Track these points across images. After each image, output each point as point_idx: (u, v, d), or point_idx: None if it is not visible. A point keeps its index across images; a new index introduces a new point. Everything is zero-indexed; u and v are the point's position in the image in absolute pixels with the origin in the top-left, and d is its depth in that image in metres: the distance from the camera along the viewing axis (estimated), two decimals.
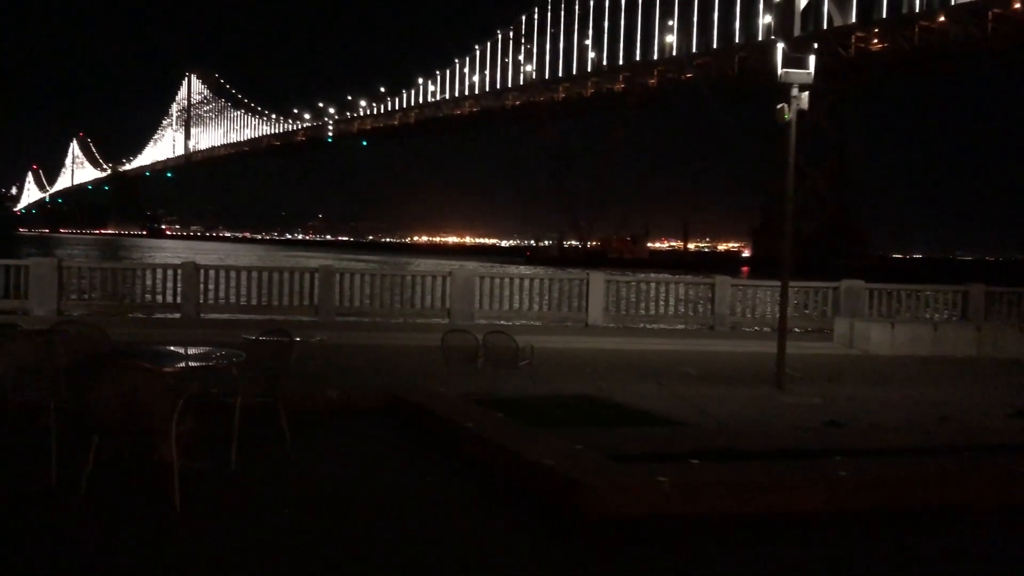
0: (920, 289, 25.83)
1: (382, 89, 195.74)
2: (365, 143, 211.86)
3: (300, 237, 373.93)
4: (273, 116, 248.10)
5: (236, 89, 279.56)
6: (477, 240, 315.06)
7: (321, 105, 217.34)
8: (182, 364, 7.95)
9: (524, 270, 33.29)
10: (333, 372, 13.59)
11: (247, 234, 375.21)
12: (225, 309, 22.99)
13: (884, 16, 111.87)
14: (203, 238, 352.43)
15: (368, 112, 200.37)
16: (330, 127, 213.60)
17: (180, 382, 7.71)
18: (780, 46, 15.90)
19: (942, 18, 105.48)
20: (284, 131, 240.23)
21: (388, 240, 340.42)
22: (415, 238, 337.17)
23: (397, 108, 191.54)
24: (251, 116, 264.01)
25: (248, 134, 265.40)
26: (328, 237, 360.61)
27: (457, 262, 32.08)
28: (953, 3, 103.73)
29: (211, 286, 23.13)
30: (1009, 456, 8.71)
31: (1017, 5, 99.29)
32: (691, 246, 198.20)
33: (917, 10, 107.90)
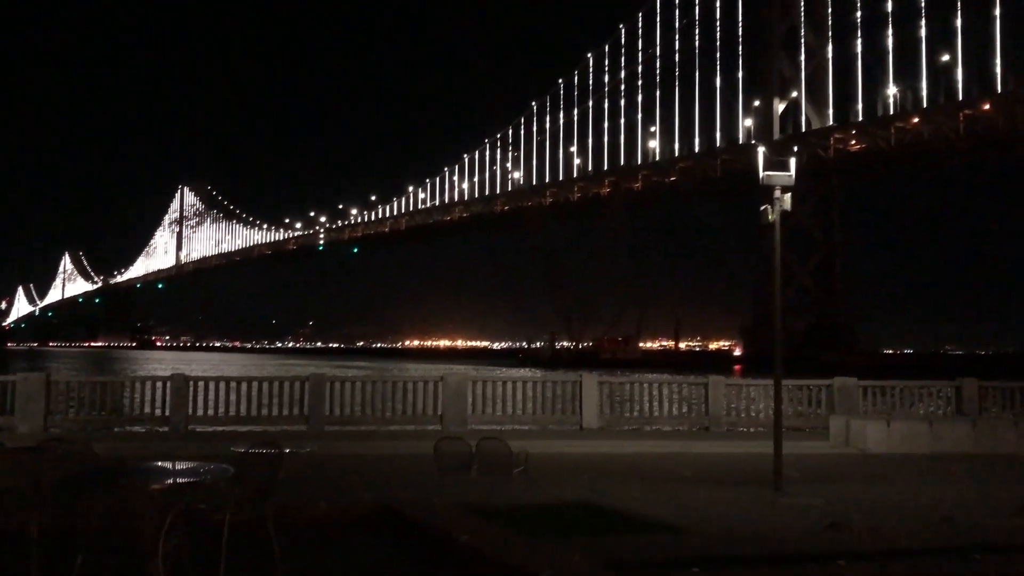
0: (913, 385, 25.79)
1: (373, 197, 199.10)
2: (356, 250, 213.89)
3: (291, 345, 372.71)
4: (265, 226, 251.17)
5: (228, 200, 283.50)
6: (469, 343, 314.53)
7: (312, 214, 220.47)
8: (170, 481, 7.80)
9: (516, 373, 33.18)
10: (324, 484, 13.34)
11: (237, 343, 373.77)
12: (214, 421, 22.72)
13: (860, 119, 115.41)
14: (193, 348, 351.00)
15: (359, 220, 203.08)
16: (321, 235, 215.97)
17: (168, 499, 7.55)
18: (761, 150, 16.34)
19: (916, 119, 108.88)
20: (275, 240, 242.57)
21: (379, 346, 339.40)
22: (406, 343, 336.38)
23: (388, 215, 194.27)
24: (243, 226, 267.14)
25: (239, 244, 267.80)
26: (319, 344, 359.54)
27: (449, 366, 31.95)
28: (926, 105, 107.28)
29: (200, 398, 22.92)
30: (1017, 557, 8.53)
31: (986, 106, 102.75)
32: (683, 345, 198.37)
33: (892, 112, 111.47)
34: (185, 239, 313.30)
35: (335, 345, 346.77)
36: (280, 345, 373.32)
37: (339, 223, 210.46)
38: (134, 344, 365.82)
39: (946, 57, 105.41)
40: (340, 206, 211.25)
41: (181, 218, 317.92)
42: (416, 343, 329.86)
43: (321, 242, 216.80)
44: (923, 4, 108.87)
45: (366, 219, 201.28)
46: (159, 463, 8.85)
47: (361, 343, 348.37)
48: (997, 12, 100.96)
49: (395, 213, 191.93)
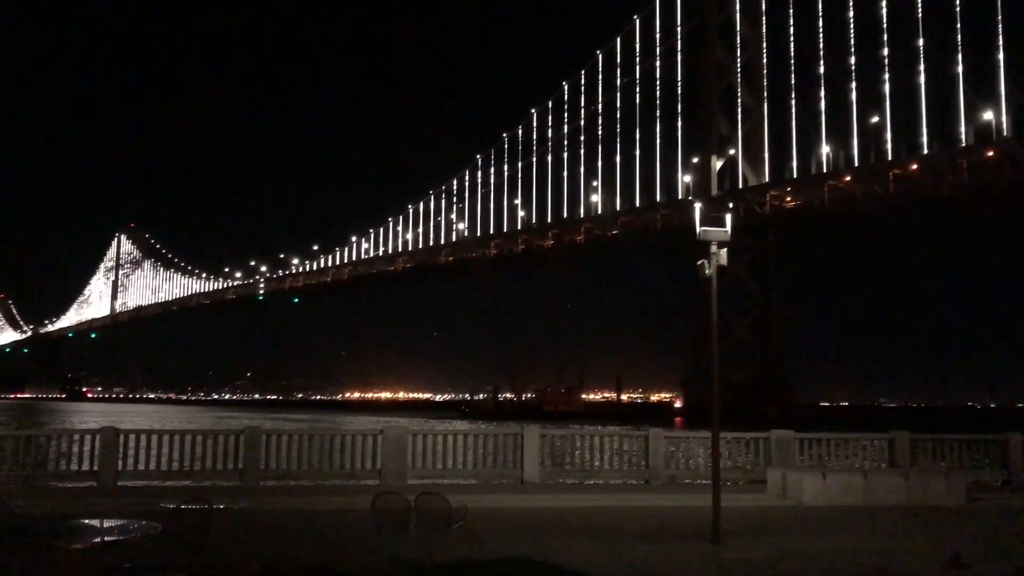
0: (848, 437, 26.24)
1: (315, 247, 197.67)
2: (297, 300, 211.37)
3: (228, 397, 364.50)
4: (203, 275, 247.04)
5: (166, 248, 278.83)
6: (412, 395, 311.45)
7: (253, 263, 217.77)
8: (94, 539, 7.51)
9: (458, 426, 32.89)
10: (258, 541, 12.96)
11: (172, 395, 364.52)
12: (144, 475, 22.00)
13: (795, 176, 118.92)
14: (127, 400, 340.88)
15: (300, 269, 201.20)
16: (261, 285, 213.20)
17: (91, 558, 7.26)
18: (698, 205, 16.70)
19: (848, 177, 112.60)
20: (214, 289, 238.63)
21: (319, 398, 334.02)
22: (347, 395, 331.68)
23: (330, 265, 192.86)
24: (181, 275, 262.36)
25: (177, 293, 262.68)
26: (257, 396, 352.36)
27: (389, 419, 31.55)
28: (858, 164, 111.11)
29: (131, 451, 22.20)
30: None
31: (914, 166, 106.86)
32: (625, 397, 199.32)
33: (825, 170, 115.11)
34: (121, 288, 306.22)
35: (274, 397, 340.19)
36: (217, 397, 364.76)
37: (280, 272, 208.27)
38: (64, 396, 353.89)
39: (876, 119, 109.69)
40: (281, 255, 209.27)
41: (117, 266, 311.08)
42: (357, 395, 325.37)
43: (261, 292, 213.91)
44: (853, 68, 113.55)
45: (308, 269, 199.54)
46: (83, 520, 8.53)
47: (301, 395, 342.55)
48: (922, 80, 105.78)
49: (337, 263, 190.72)
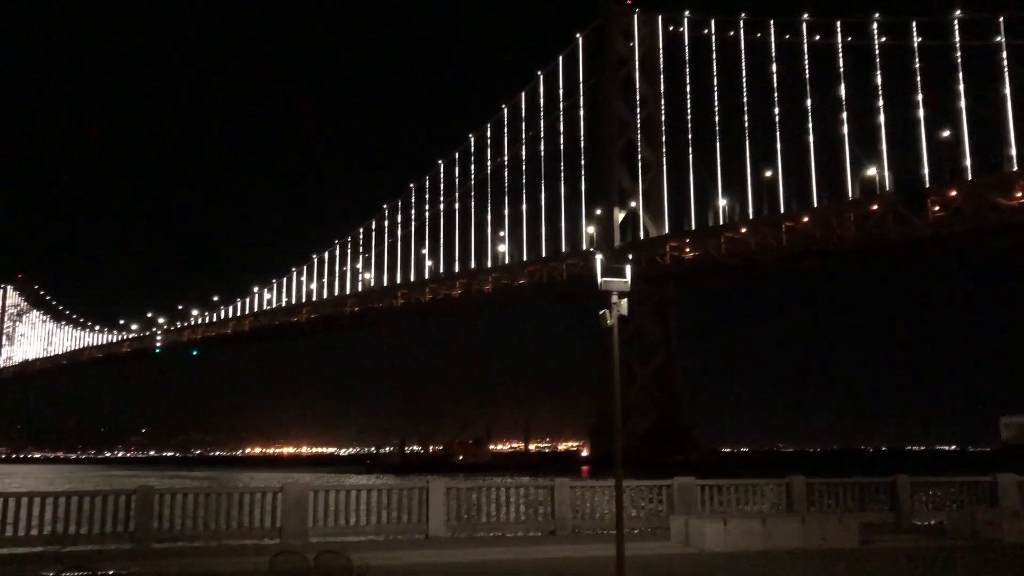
0: (748, 483, 26.82)
1: (215, 298, 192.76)
2: (196, 352, 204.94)
3: (121, 455, 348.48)
4: (97, 327, 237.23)
5: (57, 300, 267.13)
6: (315, 450, 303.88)
7: (150, 315, 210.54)
8: None
9: (362, 481, 32.20)
10: None
11: (60, 454, 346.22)
12: (23, 542, 20.72)
13: (694, 228, 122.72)
14: (10, 460, 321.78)
15: (200, 321, 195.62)
16: (158, 337, 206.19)
17: None
18: (599, 257, 17.10)
19: (744, 229, 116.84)
20: (108, 342, 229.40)
21: (218, 454, 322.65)
22: (248, 450, 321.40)
23: (231, 316, 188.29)
24: (72, 327, 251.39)
25: (68, 346, 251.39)
26: (153, 453, 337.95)
27: (291, 475, 30.71)
28: (752, 216, 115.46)
29: (10, 516, 20.89)
30: None
31: (805, 219, 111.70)
32: (532, 447, 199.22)
33: (722, 222, 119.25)
34: (6, 341, 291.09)
35: (171, 454, 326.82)
36: (110, 455, 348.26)
37: (178, 324, 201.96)
38: None
39: (769, 173, 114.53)
40: (180, 307, 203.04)
41: (1, 319, 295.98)
42: (258, 450, 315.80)
43: (158, 344, 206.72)
44: (747, 124, 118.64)
45: (208, 320, 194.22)
46: None
47: (199, 451, 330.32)
48: (811, 138, 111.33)
49: (239, 314, 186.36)
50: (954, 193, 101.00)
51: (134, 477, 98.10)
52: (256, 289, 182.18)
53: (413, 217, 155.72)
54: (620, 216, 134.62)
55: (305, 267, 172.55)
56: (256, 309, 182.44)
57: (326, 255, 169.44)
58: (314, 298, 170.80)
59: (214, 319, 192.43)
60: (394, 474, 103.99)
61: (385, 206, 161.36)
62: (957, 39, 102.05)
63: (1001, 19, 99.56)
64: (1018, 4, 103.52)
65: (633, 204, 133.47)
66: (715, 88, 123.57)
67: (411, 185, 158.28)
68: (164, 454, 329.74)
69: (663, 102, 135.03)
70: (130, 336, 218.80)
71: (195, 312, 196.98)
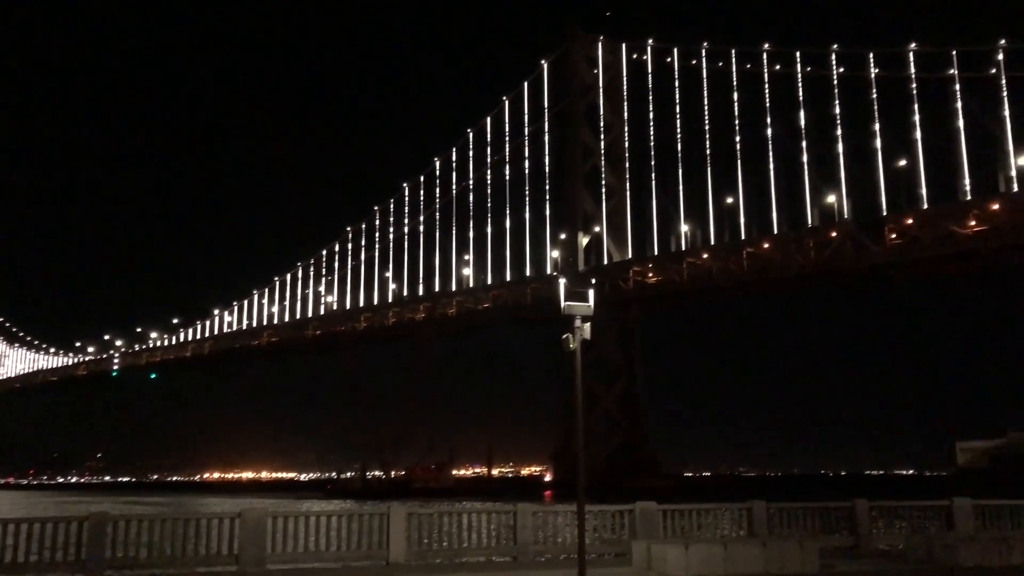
0: (709, 508, 26.89)
1: (175, 320, 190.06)
2: (155, 376, 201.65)
3: (76, 480, 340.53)
4: (52, 349, 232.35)
5: (10, 322, 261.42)
6: (275, 475, 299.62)
7: (107, 337, 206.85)
8: None
9: (322, 506, 31.75)
10: None
11: (11, 480, 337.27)
12: None
13: (656, 252, 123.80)
14: None
15: (159, 344, 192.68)
16: (116, 360, 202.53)
17: None
18: (562, 281, 17.14)
19: (705, 255, 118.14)
20: (63, 365, 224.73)
21: (176, 479, 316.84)
22: (207, 476, 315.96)
23: (191, 339, 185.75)
24: (26, 350, 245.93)
25: (21, 368, 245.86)
26: (108, 478, 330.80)
27: (250, 501, 30.18)
28: (714, 242, 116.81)
29: None
30: None
31: (766, 245, 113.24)
32: (496, 472, 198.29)
33: (684, 248, 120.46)
34: None
35: (127, 479, 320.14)
36: (63, 480, 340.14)
37: (137, 347, 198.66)
38: None
39: (730, 200, 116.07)
40: (138, 329, 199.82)
41: None
42: (217, 476, 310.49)
43: (115, 367, 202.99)
44: (709, 151, 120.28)
45: (167, 343, 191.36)
46: None
47: (156, 476, 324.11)
48: (771, 166, 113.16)
49: (199, 337, 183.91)
50: (910, 221, 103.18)
51: (88, 503, 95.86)
52: (217, 312, 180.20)
53: (377, 240, 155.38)
54: (584, 241, 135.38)
55: (267, 290, 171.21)
56: (217, 332, 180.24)
57: (288, 277, 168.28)
58: (276, 321, 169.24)
59: (173, 342, 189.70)
60: (355, 499, 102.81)
61: (349, 229, 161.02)
62: (912, 71, 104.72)
63: (954, 52, 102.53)
64: (972, 39, 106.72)
65: (597, 229, 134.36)
66: (678, 115, 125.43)
67: (375, 208, 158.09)
68: (120, 479, 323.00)
69: (627, 129, 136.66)
70: (86, 359, 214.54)
71: (154, 335, 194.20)
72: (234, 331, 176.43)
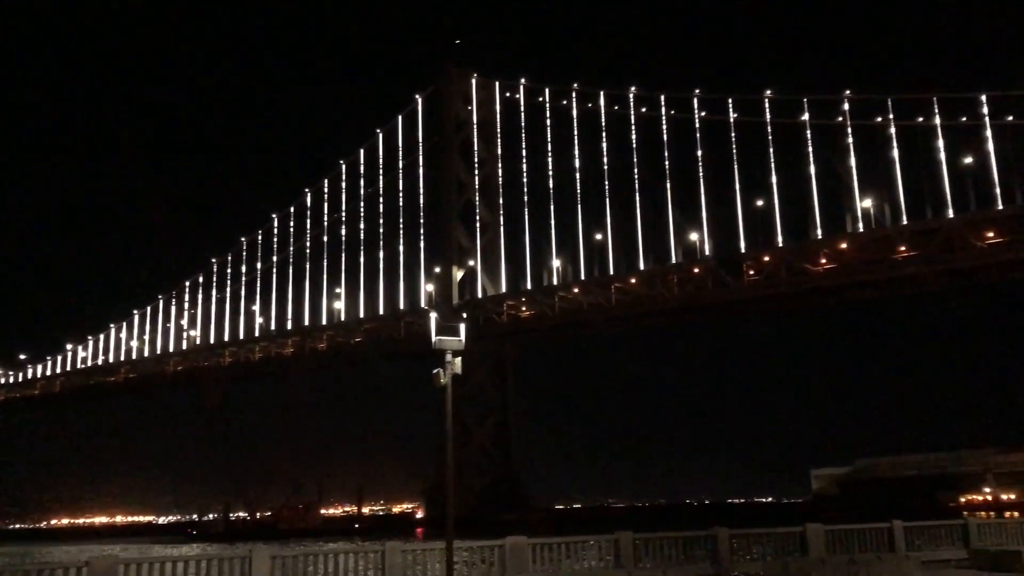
0: (578, 540, 27.17)
1: (22, 356, 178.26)
2: None
3: None
4: None
5: None
6: (130, 519, 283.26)
7: None
8: None
9: (179, 551, 30.27)
10: None
11: None
12: None
13: (529, 287, 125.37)
14: None
15: (3, 381, 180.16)
16: None
17: None
18: (433, 316, 17.09)
19: (576, 290, 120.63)
20: None
21: (18, 527, 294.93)
22: (54, 522, 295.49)
23: (39, 376, 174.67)
24: None
25: None
26: None
27: (102, 547, 28.48)
28: (584, 277, 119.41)
29: None
30: None
31: (633, 280, 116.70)
32: (366, 510, 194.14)
33: (556, 282, 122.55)
34: None
35: None
36: None
37: None
38: None
39: (599, 236, 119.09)
40: None
41: None
42: (66, 522, 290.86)
43: None
44: (579, 189, 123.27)
45: (12, 380, 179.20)
46: None
47: None
48: (637, 204, 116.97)
49: (48, 373, 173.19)
50: (767, 259, 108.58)
51: None
52: (70, 347, 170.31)
53: (244, 272, 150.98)
54: (459, 275, 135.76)
55: (125, 323, 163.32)
56: (69, 368, 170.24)
57: (149, 311, 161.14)
58: (135, 356, 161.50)
59: (19, 379, 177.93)
60: (218, 542, 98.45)
61: (214, 260, 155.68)
62: (768, 117, 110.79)
63: (805, 100, 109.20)
64: (822, 87, 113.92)
65: (471, 263, 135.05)
66: (549, 153, 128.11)
67: (242, 239, 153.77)
68: None
69: (500, 164, 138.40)
70: None
71: None
72: (88, 367, 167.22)
